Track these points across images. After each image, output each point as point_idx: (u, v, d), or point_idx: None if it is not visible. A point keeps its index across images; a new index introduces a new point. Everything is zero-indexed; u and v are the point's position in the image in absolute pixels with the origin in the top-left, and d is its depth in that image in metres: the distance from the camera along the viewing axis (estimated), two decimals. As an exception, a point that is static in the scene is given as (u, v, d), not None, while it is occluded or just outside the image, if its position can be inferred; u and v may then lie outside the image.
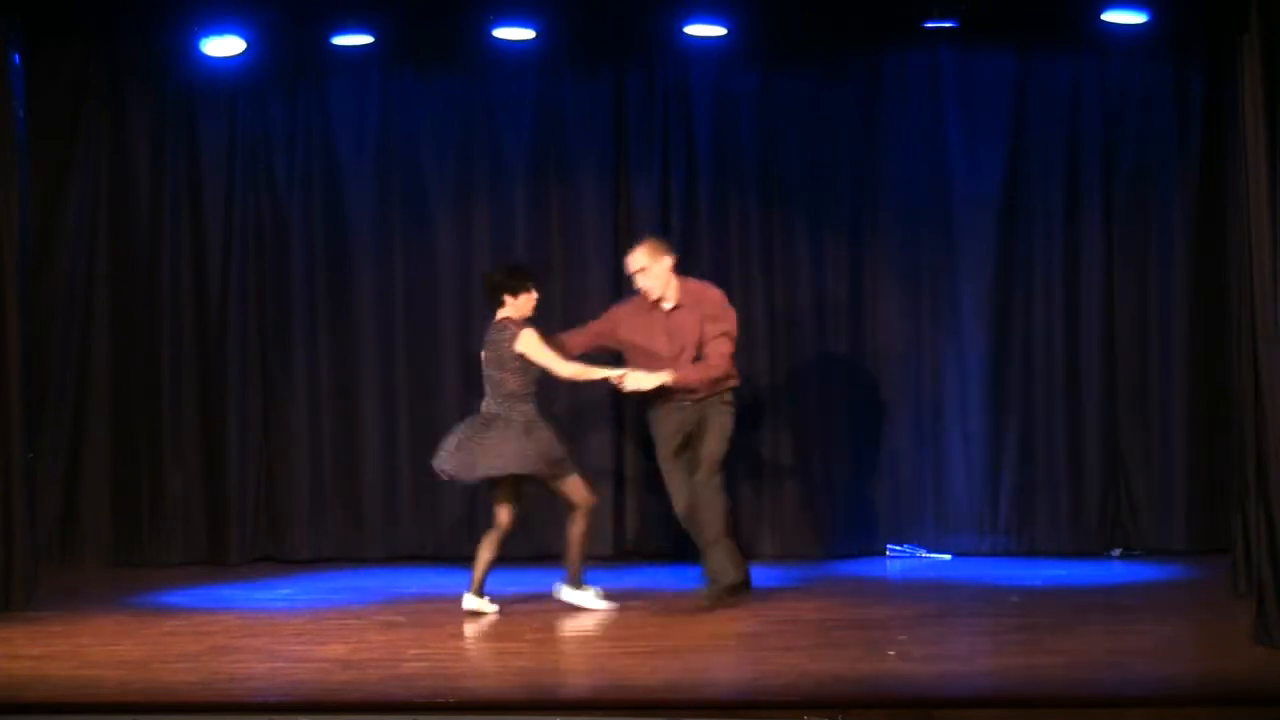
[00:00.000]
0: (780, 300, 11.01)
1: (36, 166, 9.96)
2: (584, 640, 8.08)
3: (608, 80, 11.06)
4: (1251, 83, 7.96)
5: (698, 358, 9.04)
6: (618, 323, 9.32)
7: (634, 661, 7.57)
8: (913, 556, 10.94)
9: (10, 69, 9.06)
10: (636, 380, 8.96)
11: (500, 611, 8.86)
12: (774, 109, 11.02)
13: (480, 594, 8.94)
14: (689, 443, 9.12)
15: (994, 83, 11.02)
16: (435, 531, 11.04)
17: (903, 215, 11.05)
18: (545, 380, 9.04)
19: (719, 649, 8.26)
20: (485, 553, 8.92)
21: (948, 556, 10.89)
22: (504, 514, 9.01)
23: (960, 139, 11.04)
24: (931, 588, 9.86)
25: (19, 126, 9.13)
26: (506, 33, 10.41)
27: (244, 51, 10.46)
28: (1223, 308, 10.21)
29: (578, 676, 7.31)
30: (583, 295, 10.86)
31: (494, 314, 9.05)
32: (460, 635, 8.40)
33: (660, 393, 9.02)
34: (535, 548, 10.59)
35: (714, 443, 9.08)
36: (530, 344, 8.89)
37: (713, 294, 9.23)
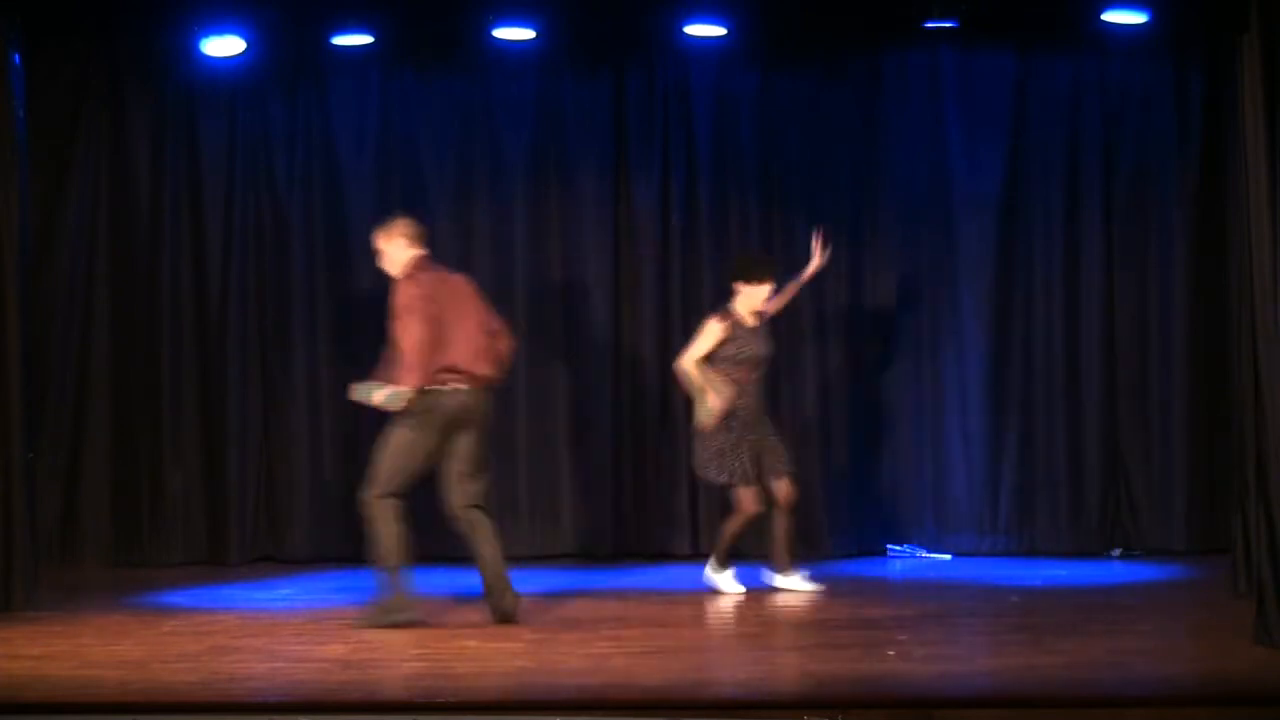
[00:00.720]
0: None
1: (36, 166, 9.95)
2: (584, 640, 8.06)
3: (608, 80, 11.06)
4: (1251, 83, 7.95)
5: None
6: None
7: (634, 661, 7.56)
8: (913, 556, 10.94)
9: (10, 69, 9.04)
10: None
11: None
12: (774, 109, 11.02)
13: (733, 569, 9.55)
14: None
15: (994, 83, 11.02)
16: (435, 532, 11.01)
17: (903, 215, 11.06)
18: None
19: (719, 649, 8.26)
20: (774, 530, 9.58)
21: (948, 556, 10.89)
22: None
23: (960, 139, 11.04)
24: (931, 588, 9.86)
25: (19, 126, 9.11)
26: (506, 33, 10.41)
27: (244, 51, 10.46)
28: (1223, 308, 10.20)
29: (578, 676, 7.29)
30: (583, 295, 10.85)
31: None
32: (460, 635, 8.38)
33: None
34: (535, 547, 10.58)
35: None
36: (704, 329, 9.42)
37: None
